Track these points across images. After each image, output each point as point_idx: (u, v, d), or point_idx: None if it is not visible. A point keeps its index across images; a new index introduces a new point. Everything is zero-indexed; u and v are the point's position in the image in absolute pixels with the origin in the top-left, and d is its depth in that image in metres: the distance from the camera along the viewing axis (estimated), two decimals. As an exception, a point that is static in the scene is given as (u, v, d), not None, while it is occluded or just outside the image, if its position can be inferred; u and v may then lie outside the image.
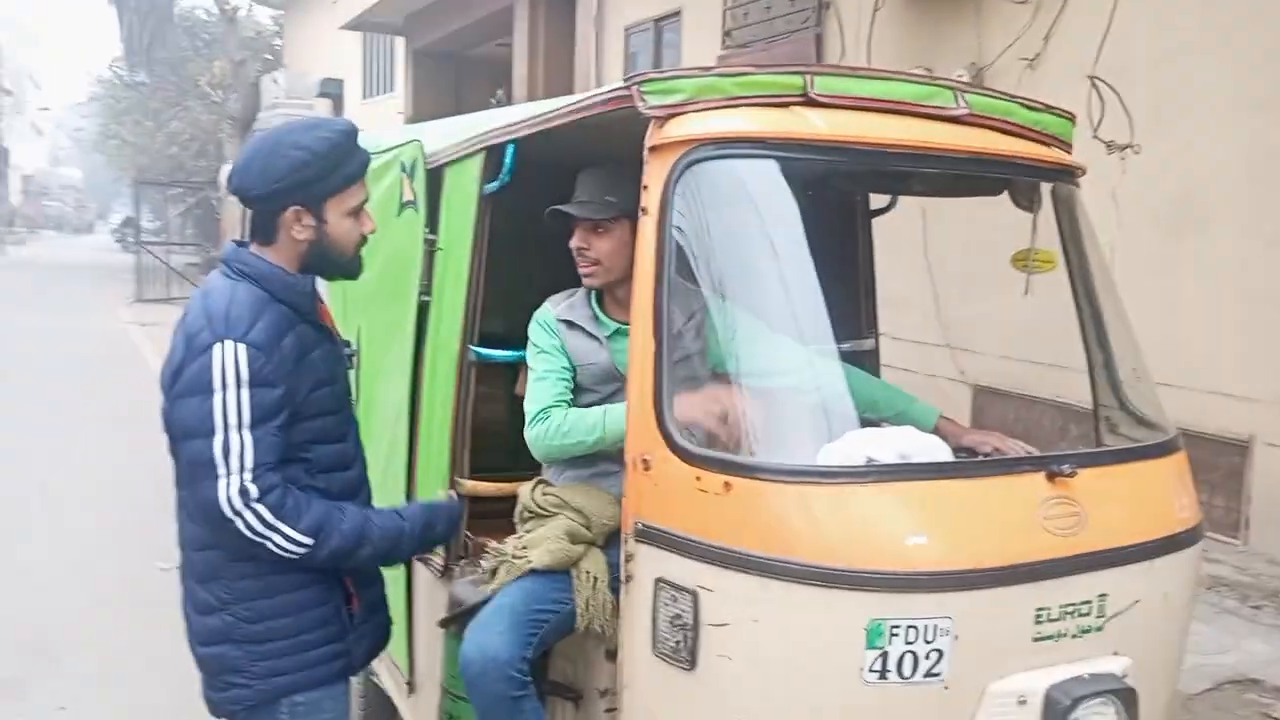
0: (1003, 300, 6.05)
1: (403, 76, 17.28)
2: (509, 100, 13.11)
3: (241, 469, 1.88)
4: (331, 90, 21.37)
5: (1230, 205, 5.14)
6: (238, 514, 1.88)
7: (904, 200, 3.00)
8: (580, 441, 2.23)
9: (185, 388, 1.90)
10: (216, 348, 1.88)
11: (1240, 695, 3.85)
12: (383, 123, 17.22)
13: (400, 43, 17.18)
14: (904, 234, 6.05)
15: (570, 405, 2.34)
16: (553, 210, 2.40)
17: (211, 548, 1.97)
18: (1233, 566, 4.83)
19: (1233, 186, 5.12)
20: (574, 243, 2.40)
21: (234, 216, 6.80)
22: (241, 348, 1.88)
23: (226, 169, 8.12)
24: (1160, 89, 5.39)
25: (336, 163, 1.98)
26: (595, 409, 2.22)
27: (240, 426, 1.88)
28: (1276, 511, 4.93)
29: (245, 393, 1.88)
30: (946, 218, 6.48)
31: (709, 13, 9.25)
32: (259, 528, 1.90)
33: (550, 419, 2.28)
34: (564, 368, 2.37)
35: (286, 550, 1.93)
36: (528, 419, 2.31)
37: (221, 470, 1.87)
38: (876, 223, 3.16)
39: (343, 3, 17.09)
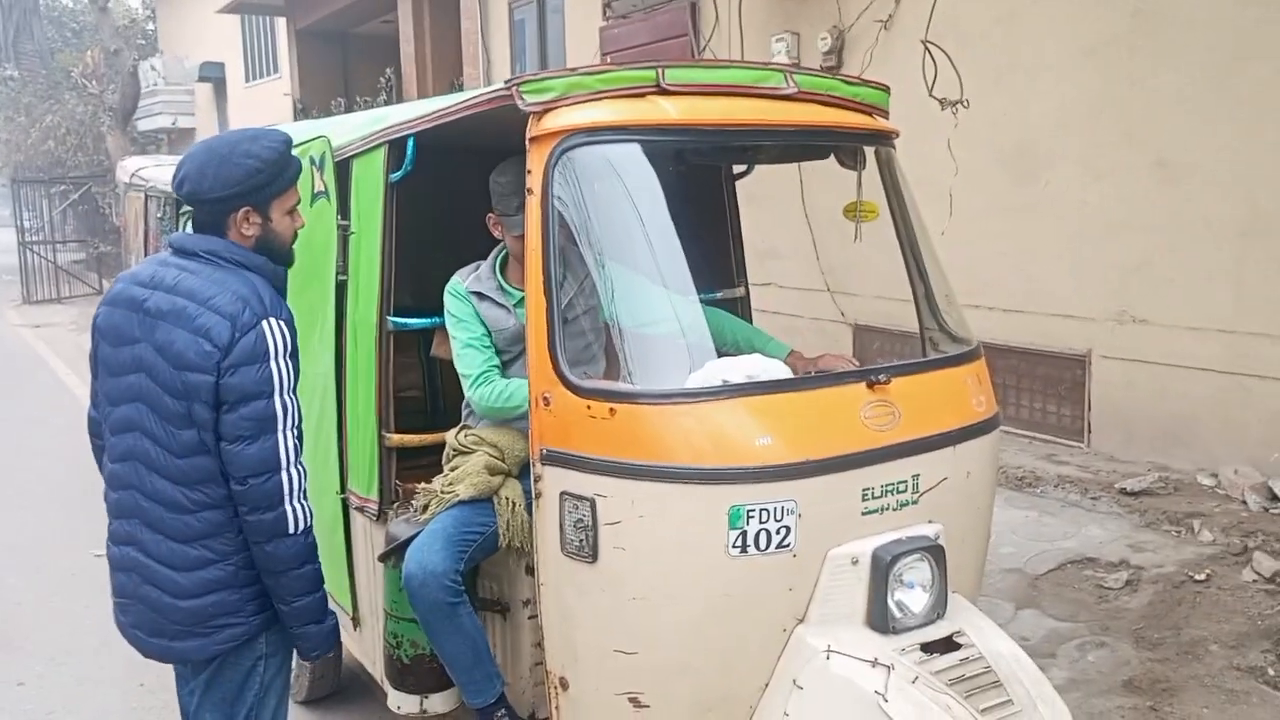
0: (872, 245, 6.62)
1: (287, 58, 17.00)
2: (399, 79, 13.12)
3: (293, 426, 2.21)
4: (212, 74, 20.81)
5: (1064, 147, 5.72)
6: (288, 467, 2.17)
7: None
8: (518, 406, 2.62)
9: (240, 358, 2.14)
10: (264, 324, 2.17)
11: (1079, 572, 4.46)
12: (269, 106, 16.85)
13: (282, 22, 16.89)
14: (784, 192, 6.55)
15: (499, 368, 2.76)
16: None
17: (214, 507, 2.19)
18: (1077, 466, 5.48)
19: (1066, 130, 5.70)
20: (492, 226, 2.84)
21: (135, 210, 6.89)
22: (282, 323, 2.21)
23: (126, 164, 8.12)
24: (999, 45, 5.94)
25: (281, 168, 2.30)
26: None
27: (288, 390, 2.21)
28: (1111, 414, 5.59)
29: (289, 362, 2.21)
30: (821, 174, 6.96)
31: (590, -15, 9.54)
32: (294, 487, 2.18)
33: (494, 384, 2.71)
34: (484, 334, 2.78)
35: (291, 521, 2.18)
36: (469, 381, 2.72)
37: (280, 425, 2.17)
38: (755, 183, 3.57)
39: (218, -16, 16.73)
